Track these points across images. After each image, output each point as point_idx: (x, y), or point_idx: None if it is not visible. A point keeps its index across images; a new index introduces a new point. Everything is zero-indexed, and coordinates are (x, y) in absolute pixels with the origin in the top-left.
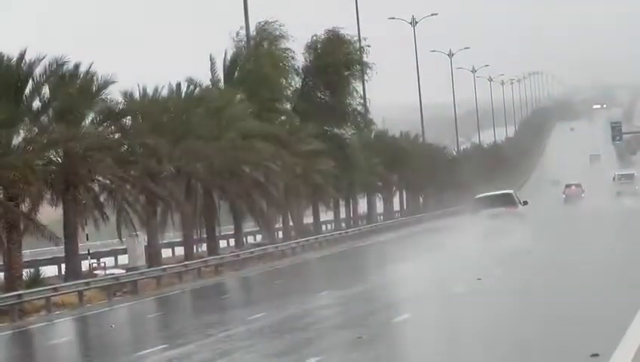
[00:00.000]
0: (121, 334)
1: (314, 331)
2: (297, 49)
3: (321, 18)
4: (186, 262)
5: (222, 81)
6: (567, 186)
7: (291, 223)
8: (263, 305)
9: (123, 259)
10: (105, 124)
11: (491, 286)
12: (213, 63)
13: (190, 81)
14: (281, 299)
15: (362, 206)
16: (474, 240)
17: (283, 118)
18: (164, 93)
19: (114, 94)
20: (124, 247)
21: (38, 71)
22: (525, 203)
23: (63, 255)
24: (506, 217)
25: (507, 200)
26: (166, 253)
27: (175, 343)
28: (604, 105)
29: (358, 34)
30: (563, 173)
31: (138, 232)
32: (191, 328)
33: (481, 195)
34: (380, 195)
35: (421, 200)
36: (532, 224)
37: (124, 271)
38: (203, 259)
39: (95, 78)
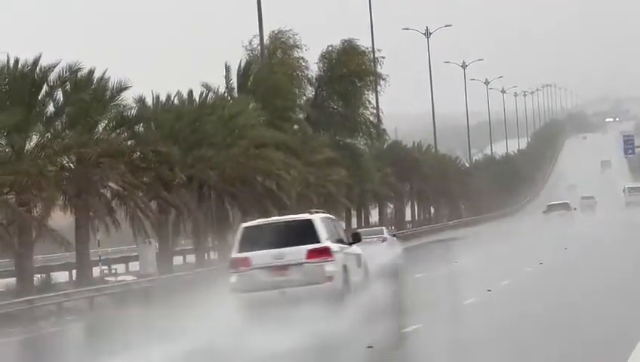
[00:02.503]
0: (131, 340)
1: (323, 341)
2: (311, 58)
3: (336, 28)
4: (197, 270)
5: (235, 89)
6: (583, 198)
7: None
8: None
9: (134, 266)
10: (118, 130)
11: (574, 257)
12: (227, 71)
13: (205, 87)
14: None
15: (374, 216)
16: (552, 227)
17: (296, 127)
18: (177, 100)
19: (128, 101)
20: (135, 254)
21: (51, 76)
22: (575, 209)
23: (74, 261)
24: (566, 216)
25: (566, 206)
26: (177, 260)
27: (185, 350)
28: (617, 119)
29: (372, 45)
30: (576, 180)
31: (150, 239)
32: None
33: (552, 203)
34: (391, 205)
35: (432, 210)
36: (579, 220)
37: (135, 277)
38: (214, 267)
39: (109, 84)
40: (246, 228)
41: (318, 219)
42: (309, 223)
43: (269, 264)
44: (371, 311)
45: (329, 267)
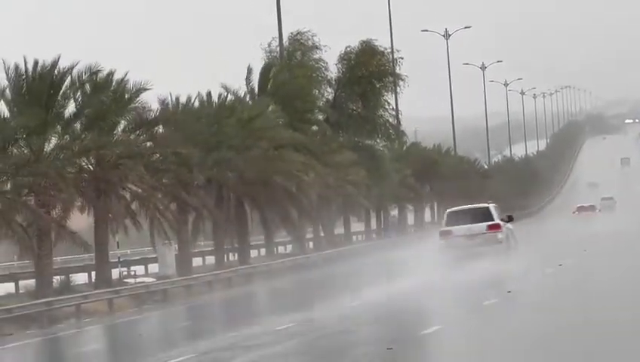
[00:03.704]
0: (149, 343)
1: (342, 341)
2: (330, 59)
3: (355, 30)
4: (216, 271)
5: (255, 90)
6: (603, 199)
7: (322, 234)
8: (292, 315)
9: (153, 268)
10: (137, 132)
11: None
12: (249, 74)
13: (225, 88)
14: (310, 308)
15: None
16: (581, 224)
17: (315, 128)
18: (197, 102)
19: (147, 103)
20: (154, 256)
21: (71, 78)
22: (600, 210)
23: (93, 262)
24: (593, 215)
25: (593, 208)
26: (196, 261)
27: (202, 352)
28: (637, 120)
29: (391, 46)
30: (596, 178)
31: (169, 241)
32: (219, 338)
33: (580, 205)
34: (410, 207)
35: None
36: (605, 218)
37: (154, 279)
38: (234, 269)
39: (128, 86)
40: (449, 212)
41: (492, 206)
42: (487, 209)
43: (463, 234)
44: (524, 260)
45: (500, 235)
